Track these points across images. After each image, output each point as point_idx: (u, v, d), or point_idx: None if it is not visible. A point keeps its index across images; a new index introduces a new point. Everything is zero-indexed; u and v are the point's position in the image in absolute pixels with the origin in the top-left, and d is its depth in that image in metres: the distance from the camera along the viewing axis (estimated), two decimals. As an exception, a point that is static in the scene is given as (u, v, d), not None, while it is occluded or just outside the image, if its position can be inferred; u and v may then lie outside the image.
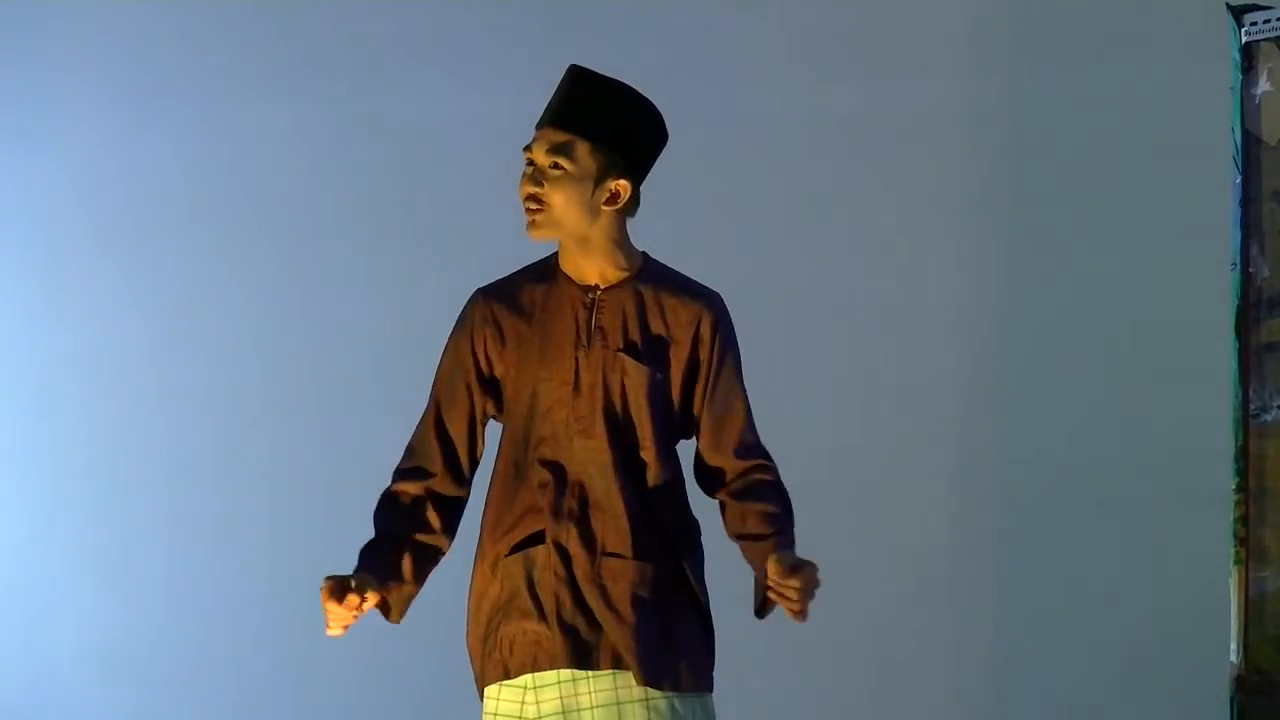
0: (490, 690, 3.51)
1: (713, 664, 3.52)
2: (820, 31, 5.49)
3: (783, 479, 3.55)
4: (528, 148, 3.53)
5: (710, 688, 3.51)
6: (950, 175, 5.45)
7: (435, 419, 3.65)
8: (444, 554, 3.60)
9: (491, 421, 3.61)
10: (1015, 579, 5.38)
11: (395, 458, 5.69)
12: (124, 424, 5.85)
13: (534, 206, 3.50)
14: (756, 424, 3.57)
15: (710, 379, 3.52)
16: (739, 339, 3.57)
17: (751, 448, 3.55)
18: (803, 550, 3.66)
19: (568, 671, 3.43)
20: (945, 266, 5.44)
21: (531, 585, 3.47)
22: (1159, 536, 5.25)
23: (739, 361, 3.56)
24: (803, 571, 3.32)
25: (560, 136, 3.50)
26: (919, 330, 5.40)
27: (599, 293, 3.52)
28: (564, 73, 3.57)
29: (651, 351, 3.50)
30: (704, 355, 3.51)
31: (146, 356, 5.85)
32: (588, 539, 3.45)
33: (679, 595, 3.48)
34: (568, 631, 3.42)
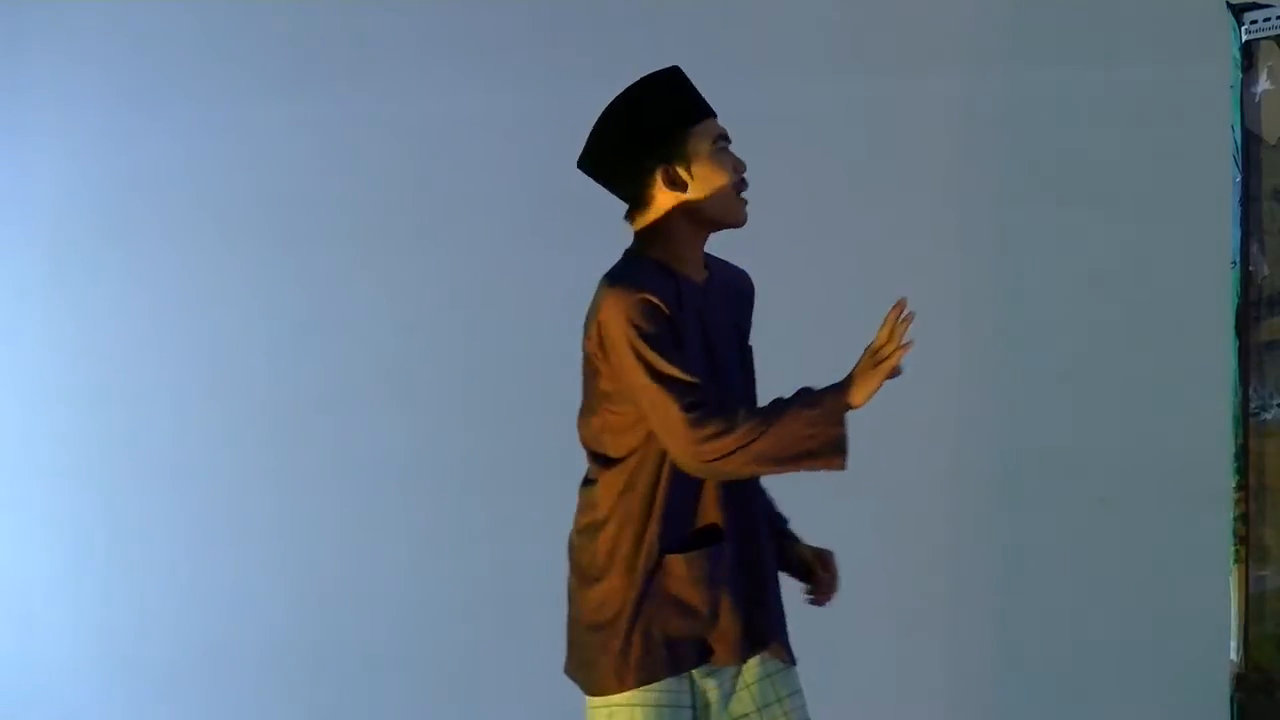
0: (641, 691, 3.48)
1: None
2: (818, 29, 5.49)
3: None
4: (724, 136, 3.57)
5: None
6: (949, 173, 5.45)
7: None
8: None
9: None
10: (1015, 577, 5.38)
11: (398, 453, 5.71)
12: (125, 421, 5.85)
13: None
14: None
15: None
16: None
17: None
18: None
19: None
20: (944, 264, 5.44)
21: (712, 583, 3.49)
22: (1159, 535, 5.25)
23: None
24: (831, 560, 3.67)
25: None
26: (917, 328, 5.39)
27: (705, 286, 3.57)
28: (669, 72, 3.59)
29: (746, 324, 3.66)
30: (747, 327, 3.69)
31: (148, 354, 5.85)
32: (749, 527, 3.56)
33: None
34: (740, 623, 3.51)
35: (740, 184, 3.56)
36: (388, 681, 5.69)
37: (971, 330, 5.43)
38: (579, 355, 3.53)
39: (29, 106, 5.92)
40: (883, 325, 3.38)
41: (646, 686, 3.47)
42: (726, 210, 3.54)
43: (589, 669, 3.51)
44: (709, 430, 3.33)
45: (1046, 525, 5.35)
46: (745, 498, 3.55)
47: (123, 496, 5.84)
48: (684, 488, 3.48)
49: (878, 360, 3.38)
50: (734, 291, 3.65)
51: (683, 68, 3.63)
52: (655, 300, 3.40)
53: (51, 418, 5.91)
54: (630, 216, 3.58)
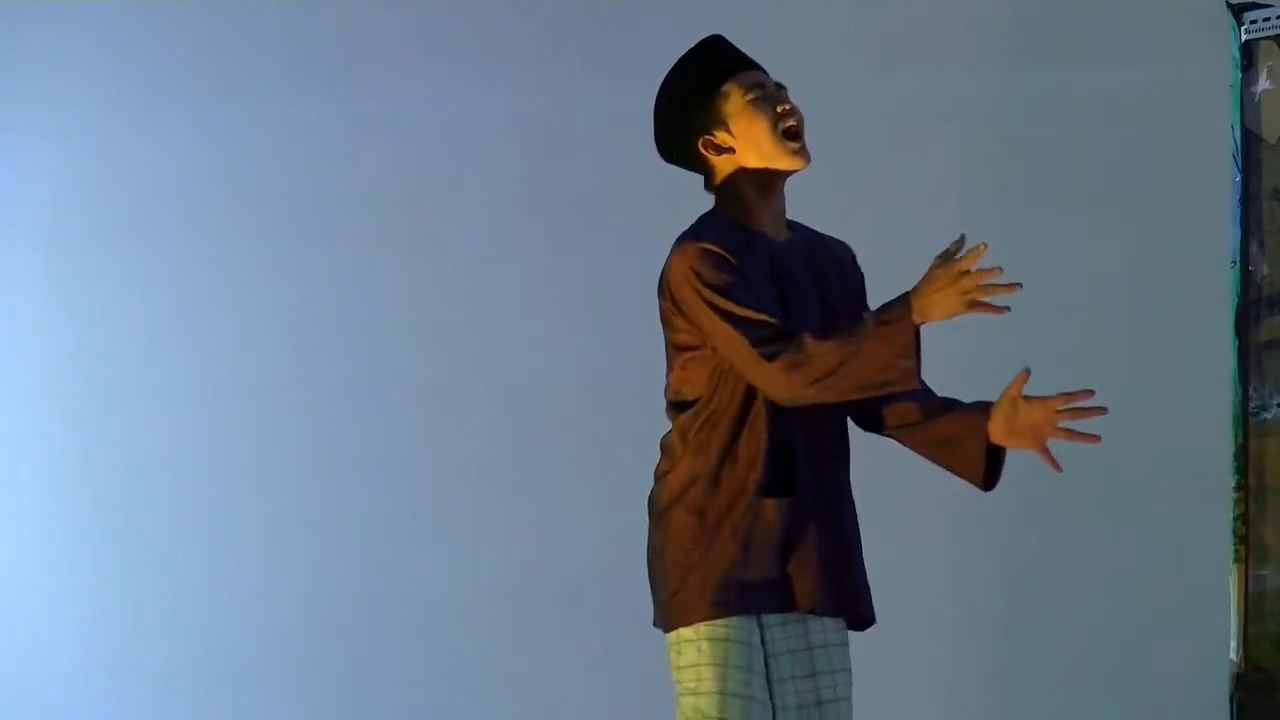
0: (719, 625, 3.47)
1: None
2: (816, 29, 5.49)
3: None
4: (758, 84, 3.59)
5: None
6: (948, 173, 5.45)
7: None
8: None
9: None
10: (1014, 576, 5.38)
11: (401, 454, 5.70)
12: (126, 422, 5.85)
13: (801, 122, 3.61)
14: None
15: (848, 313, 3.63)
16: None
17: None
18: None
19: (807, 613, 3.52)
20: (945, 264, 5.43)
21: (793, 531, 3.49)
22: (1159, 534, 5.24)
23: None
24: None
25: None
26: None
27: (786, 245, 3.59)
28: (709, 39, 3.69)
29: (835, 292, 3.63)
30: (854, 294, 3.69)
31: (147, 354, 5.84)
32: (831, 481, 3.59)
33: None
34: (822, 574, 3.50)
35: (784, 126, 3.56)
36: (389, 682, 5.68)
37: (970, 329, 5.42)
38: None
39: (25, 107, 5.91)
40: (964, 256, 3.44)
41: (714, 621, 3.46)
42: (775, 156, 3.56)
43: (661, 606, 3.54)
44: (784, 363, 3.36)
45: (1046, 524, 5.35)
46: (825, 453, 3.58)
47: (123, 497, 5.83)
48: (766, 435, 3.49)
49: (955, 275, 3.47)
50: (824, 257, 3.64)
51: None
52: (715, 248, 3.44)
53: (50, 418, 5.90)
54: (706, 185, 3.64)
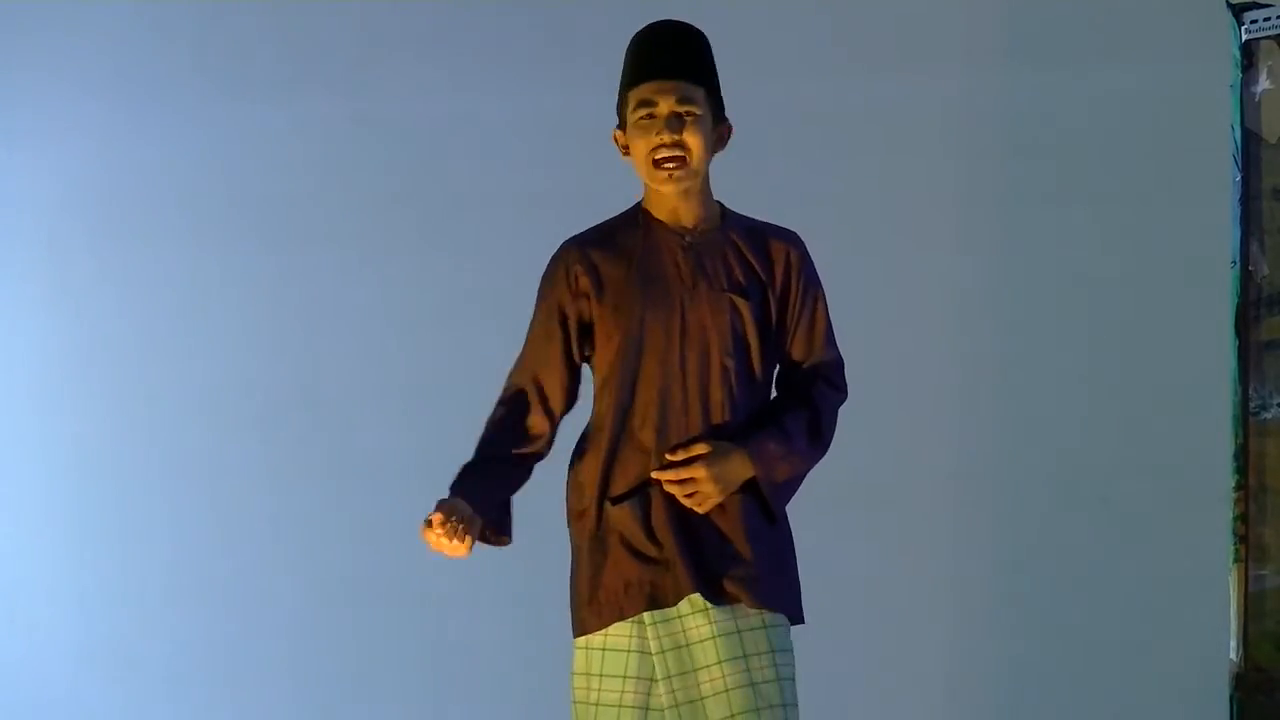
0: (597, 634, 3.55)
1: (798, 593, 3.62)
2: (814, 30, 5.49)
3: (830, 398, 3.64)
4: (645, 102, 3.56)
5: (799, 615, 3.61)
6: (948, 173, 5.45)
7: (529, 358, 3.68)
8: (532, 465, 3.66)
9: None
10: (1014, 576, 5.38)
11: (395, 457, 5.70)
12: (122, 424, 5.84)
13: (678, 154, 3.54)
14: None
15: (797, 309, 3.62)
16: None
17: (818, 363, 3.64)
18: (802, 548, 3.68)
19: (685, 604, 3.50)
20: (943, 265, 5.43)
21: (648, 526, 3.52)
22: (1159, 534, 5.24)
23: (822, 292, 3.66)
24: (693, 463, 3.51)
25: (683, 84, 3.56)
26: (916, 329, 5.39)
27: (695, 237, 3.59)
28: (649, 27, 3.64)
29: (752, 289, 3.58)
30: (791, 291, 3.61)
31: (148, 355, 5.84)
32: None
33: (775, 527, 3.58)
34: (688, 566, 3.49)
35: (653, 156, 3.55)
36: (390, 685, 5.68)
37: (971, 330, 5.43)
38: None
39: (21, 110, 5.91)
40: None
41: (588, 634, 3.55)
42: (647, 177, 3.59)
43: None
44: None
45: (1046, 524, 5.35)
46: (685, 447, 3.55)
47: (122, 498, 5.83)
48: (607, 440, 3.57)
49: None
50: (751, 251, 3.62)
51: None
52: (557, 257, 3.64)
53: (50, 418, 5.90)
54: None
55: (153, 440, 5.82)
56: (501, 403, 3.67)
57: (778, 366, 3.66)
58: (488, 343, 5.66)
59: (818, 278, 3.67)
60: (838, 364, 3.67)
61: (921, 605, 5.39)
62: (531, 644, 5.47)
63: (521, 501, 5.06)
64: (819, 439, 3.59)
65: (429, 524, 3.52)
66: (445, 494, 3.62)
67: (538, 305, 3.66)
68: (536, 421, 3.63)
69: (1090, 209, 5.36)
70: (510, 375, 3.68)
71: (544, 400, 3.63)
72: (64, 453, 5.88)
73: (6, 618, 5.91)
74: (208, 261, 5.82)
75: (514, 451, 3.62)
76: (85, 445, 5.86)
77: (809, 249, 3.70)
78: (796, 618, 3.59)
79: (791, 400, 3.62)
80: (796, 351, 3.64)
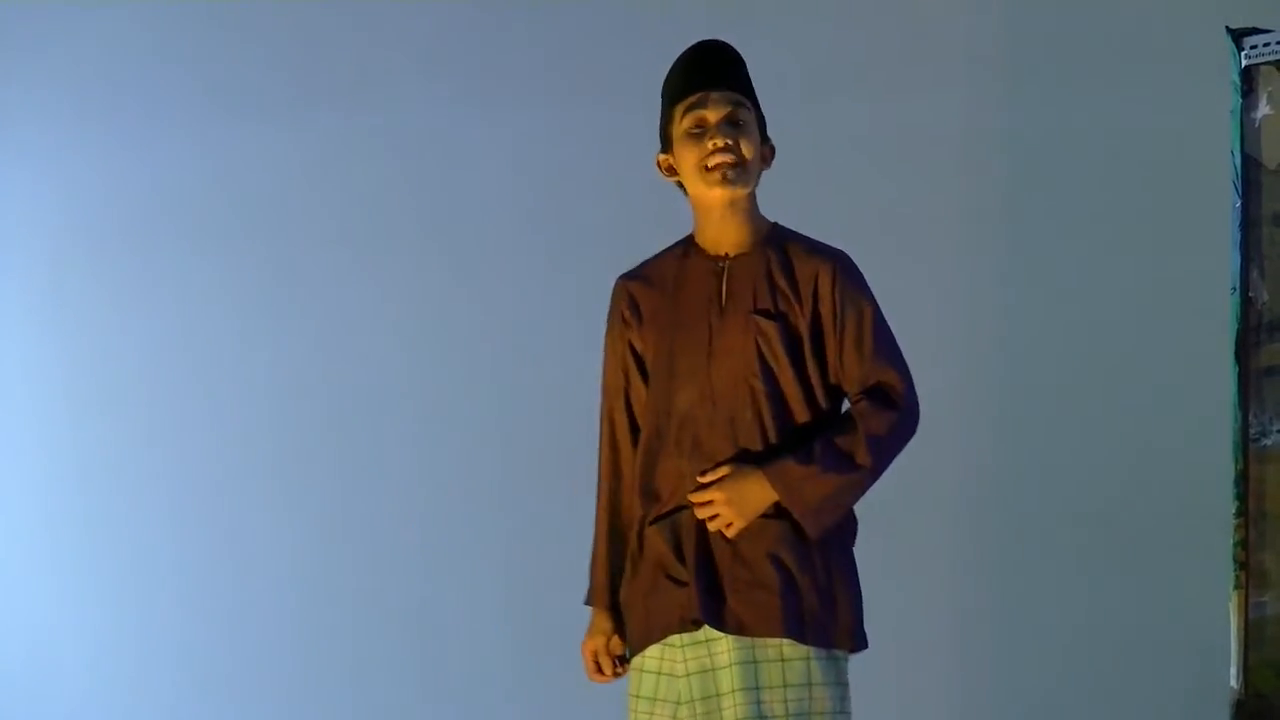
0: (637, 656, 3.60)
1: (854, 623, 3.60)
2: (819, 53, 5.49)
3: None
4: (694, 108, 3.57)
5: (849, 647, 3.60)
6: (950, 198, 5.45)
7: (605, 393, 3.72)
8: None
9: None
10: (1015, 601, 5.37)
11: (399, 475, 5.69)
12: (123, 439, 5.84)
13: (733, 161, 3.55)
14: None
15: (834, 328, 3.59)
16: None
17: (872, 381, 3.60)
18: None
19: (712, 630, 3.50)
20: (944, 289, 5.43)
21: (679, 550, 3.53)
22: (1159, 560, 5.24)
23: (871, 308, 3.61)
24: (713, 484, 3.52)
25: (734, 94, 3.58)
26: (917, 353, 5.37)
27: (729, 260, 3.60)
28: (693, 46, 3.65)
29: (780, 311, 3.57)
30: (824, 309, 3.59)
31: (147, 372, 5.84)
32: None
33: (819, 553, 3.56)
34: (708, 593, 3.49)
35: (707, 162, 3.56)
36: (387, 690, 5.68)
37: (972, 356, 5.42)
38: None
39: (21, 128, 5.91)
40: None
41: (637, 653, 3.60)
42: (698, 187, 3.60)
43: None
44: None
45: (1046, 549, 5.34)
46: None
47: (124, 512, 5.83)
48: (641, 462, 3.61)
49: None
50: (783, 274, 3.61)
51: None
52: (617, 288, 3.69)
53: (50, 431, 5.90)
54: None
55: (153, 455, 5.82)
56: (603, 443, 3.72)
57: (842, 385, 3.63)
58: (491, 356, 5.71)
59: (862, 293, 3.62)
60: (894, 380, 3.61)
61: (920, 631, 5.38)
62: (539, 662, 5.47)
63: (521, 504, 5.04)
64: (852, 459, 3.53)
65: (598, 669, 3.68)
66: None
67: (604, 341, 3.73)
68: (628, 454, 3.68)
69: (1090, 234, 5.36)
70: (600, 411, 3.74)
71: (629, 431, 3.68)
72: (65, 468, 5.88)
73: (9, 629, 5.90)
74: (209, 277, 5.82)
75: (629, 513, 3.68)
76: (86, 460, 5.86)
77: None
78: (841, 647, 3.58)
79: (836, 421, 3.60)
80: (850, 370, 3.60)
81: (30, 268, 5.90)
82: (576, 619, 3.75)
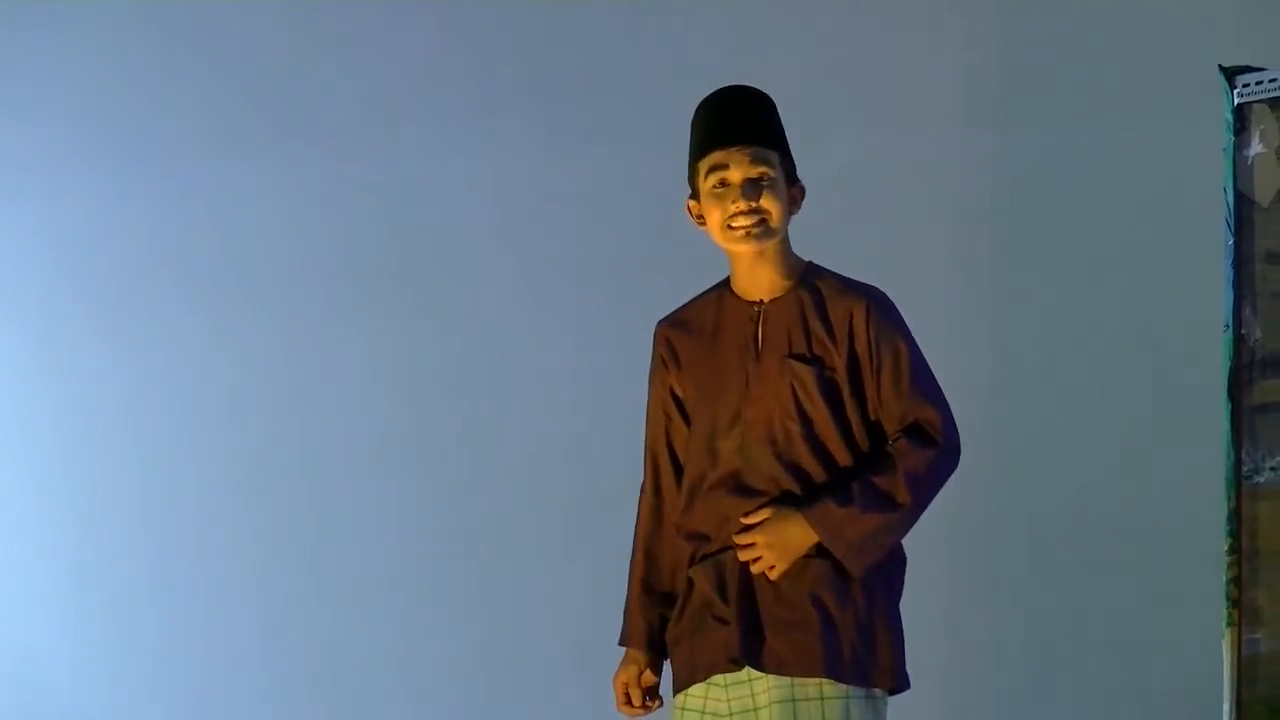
0: (680, 694, 3.61)
1: (894, 663, 3.64)
2: (812, 88, 5.50)
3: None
4: (717, 168, 3.57)
5: (888, 686, 3.63)
6: (942, 235, 5.46)
7: (648, 439, 3.76)
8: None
9: None
10: (1007, 639, 5.36)
11: (388, 523, 5.68)
12: (115, 487, 5.83)
13: (756, 221, 3.56)
14: None
15: (870, 366, 3.60)
16: None
17: (910, 419, 3.60)
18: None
19: (754, 670, 3.51)
20: (936, 326, 5.42)
21: (722, 589, 3.55)
22: (1151, 597, 5.24)
23: (906, 345, 3.62)
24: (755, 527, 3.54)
25: (756, 149, 3.58)
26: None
27: (764, 305, 3.62)
28: (716, 94, 3.65)
29: (815, 354, 3.58)
30: (860, 348, 3.60)
31: (138, 419, 5.84)
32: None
33: (862, 593, 3.57)
34: (749, 632, 3.51)
35: (730, 222, 3.58)
36: (373, 709, 5.68)
37: (963, 391, 5.41)
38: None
39: (11, 172, 5.90)
40: None
41: (679, 691, 3.62)
42: (724, 243, 3.63)
43: None
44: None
45: (1038, 587, 5.34)
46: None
47: (115, 564, 5.82)
48: (683, 504, 3.65)
49: None
50: (815, 316, 3.62)
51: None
52: (657, 335, 3.73)
53: (41, 481, 5.89)
54: None
55: (144, 504, 5.81)
56: (644, 488, 3.77)
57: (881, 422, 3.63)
58: (480, 404, 5.70)
59: (897, 330, 3.64)
60: (933, 416, 3.61)
61: (911, 664, 5.37)
62: (526, 711, 5.46)
63: (523, 509, 5.04)
64: (892, 498, 3.54)
65: (628, 700, 3.70)
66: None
67: (648, 399, 3.76)
68: (672, 498, 3.70)
69: (1083, 272, 5.37)
70: (644, 460, 3.77)
71: (674, 472, 3.70)
72: (58, 509, 5.86)
73: (8, 628, 5.89)
74: (199, 319, 5.81)
75: (668, 558, 3.70)
76: (79, 509, 5.85)
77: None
78: (880, 687, 3.61)
79: (874, 460, 3.60)
80: (888, 408, 3.61)
81: (21, 310, 5.90)
82: (565, 682, 3.77)
